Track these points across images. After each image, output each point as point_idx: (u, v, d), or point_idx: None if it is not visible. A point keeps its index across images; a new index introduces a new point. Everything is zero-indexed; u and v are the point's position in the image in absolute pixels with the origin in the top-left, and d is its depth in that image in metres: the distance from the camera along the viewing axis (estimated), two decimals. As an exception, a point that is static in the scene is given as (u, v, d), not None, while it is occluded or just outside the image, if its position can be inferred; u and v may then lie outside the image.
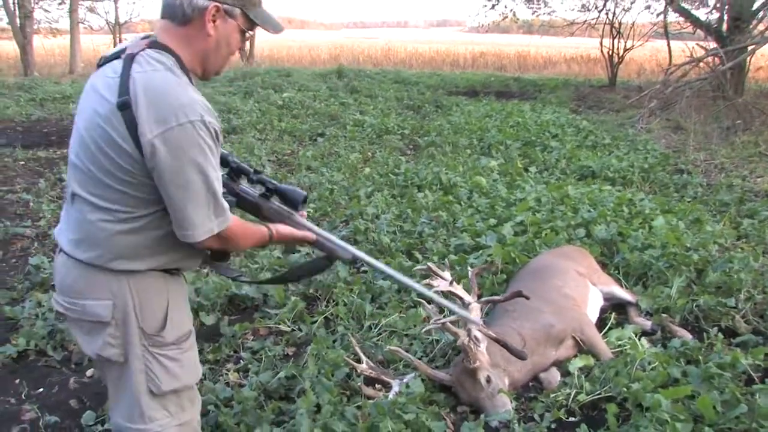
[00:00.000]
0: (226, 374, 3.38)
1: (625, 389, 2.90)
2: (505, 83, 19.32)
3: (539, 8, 20.36)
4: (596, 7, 19.30)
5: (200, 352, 3.64)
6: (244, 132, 10.25)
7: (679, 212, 5.52)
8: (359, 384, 3.08)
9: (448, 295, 3.00)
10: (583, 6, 19.95)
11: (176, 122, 1.74)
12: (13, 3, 19.22)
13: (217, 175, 1.84)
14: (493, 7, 19.72)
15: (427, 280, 3.03)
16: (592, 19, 19.48)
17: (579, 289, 3.78)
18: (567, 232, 4.80)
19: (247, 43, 15.15)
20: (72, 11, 21.26)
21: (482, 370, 3.00)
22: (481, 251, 4.38)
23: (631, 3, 19.01)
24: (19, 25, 18.97)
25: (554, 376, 3.29)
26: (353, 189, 6.58)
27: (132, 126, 1.76)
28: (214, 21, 1.89)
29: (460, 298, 2.97)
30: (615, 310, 3.97)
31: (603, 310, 3.97)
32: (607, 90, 17.48)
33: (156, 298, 1.96)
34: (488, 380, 3.00)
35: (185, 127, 1.75)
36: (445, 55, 34.77)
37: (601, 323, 3.78)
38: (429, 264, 3.11)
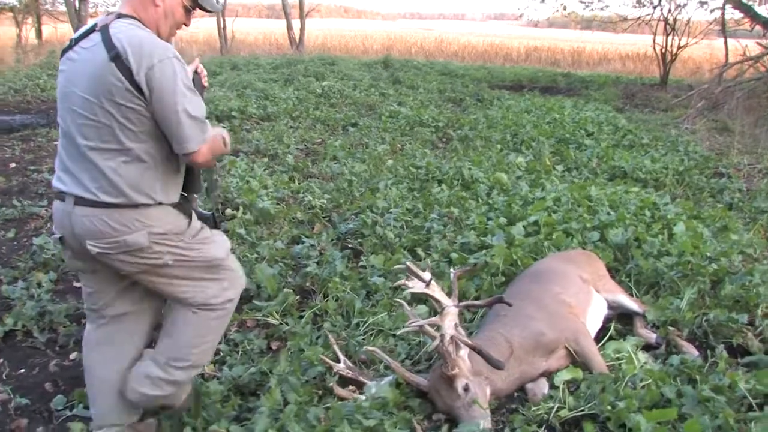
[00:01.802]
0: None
1: (609, 407, 2.71)
2: (553, 78, 18.86)
3: (592, 3, 19.75)
4: (651, 3, 18.60)
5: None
6: (277, 119, 10.22)
7: (707, 218, 5.22)
8: (332, 384, 2.96)
9: (425, 297, 2.85)
10: (638, 1, 19.23)
11: (158, 60, 2.23)
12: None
13: (197, 95, 2.35)
14: (542, 0, 19.21)
15: (403, 281, 2.88)
16: (647, 15, 18.77)
17: (580, 296, 3.57)
18: (581, 234, 4.58)
19: (297, 31, 15.40)
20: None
21: (460, 377, 2.85)
22: (485, 251, 4.19)
23: (687, -1, 18.22)
24: (76, 8, 19.40)
25: (541, 387, 3.11)
26: (374, 181, 6.46)
27: (126, 71, 2.22)
28: None
29: (437, 301, 2.81)
30: (620, 321, 3.76)
31: (608, 320, 3.77)
32: (658, 89, 16.87)
33: (170, 214, 2.44)
34: (466, 389, 2.84)
35: (166, 63, 2.25)
36: (499, 48, 34.29)
37: (604, 333, 3.57)
38: (407, 263, 2.96)
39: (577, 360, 3.21)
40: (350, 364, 3.12)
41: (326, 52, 26.66)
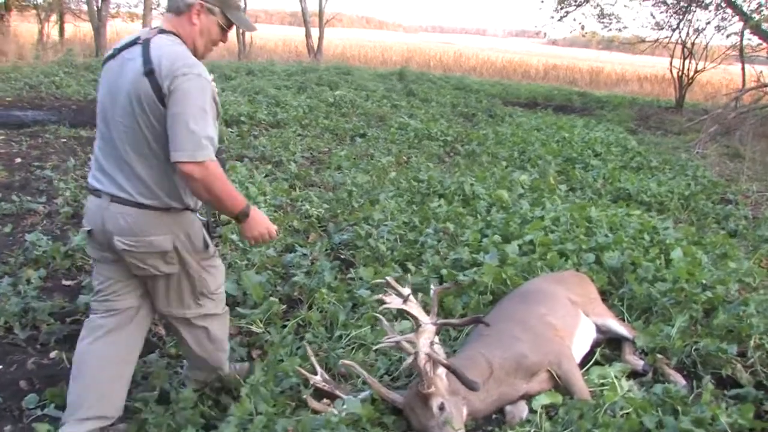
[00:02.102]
0: (180, 370, 3.27)
1: (588, 435, 2.64)
2: (568, 97, 18.81)
3: (610, 23, 19.66)
4: (670, 26, 18.51)
5: (162, 345, 3.59)
6: (286, 126, 10.23)
7: (709, 245, 5.14)
8: (306, 396, 2.91)
9: (402, 313, 2.80)
10: (656, 24, 19.14)
11: (182, 74, 2.40)
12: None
13: (209, 118, 2.44)
14: (561, 19, 19.16)
15: (380, 296, 2.84)
16: (665, 38, 18.67)
17: (567, 318, 3.50)
18: (577, 256, 4.51)
19: (316, 39, 15.54)
20: (147, -5, 21.80)
21: (436, 396, 2.79)
22: (475, 269, 4.13)
23: (706, 23, 18.14)
24: (97, 8, 19.61)
25: (521, 410, 3.04)
26: (374, 192, 6.42)
27: (157, 86, 2.41)
28: (198, 14, 2.60)
29: (415, 318, 2.76)
30: (609, 346, 3.69)
31: (596, 344, 3.70)
32: (673, 112, 16.77)
33: (195, 225, 2.68)
34: (441, 408, 2.78)
35: (191, 77, 2.41)
36: (517, 65, 34.36)
37: (590, 357, 3.50)
38: (387, 278, 2.91)
39: (559, 384, 3.15)
40: (327, 377, 3.07)
41: (345, 61, 26.81)
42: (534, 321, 3.34)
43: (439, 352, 2.91)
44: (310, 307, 3.97)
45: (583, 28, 19.29)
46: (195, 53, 2.61)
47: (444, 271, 4.15)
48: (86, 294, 3.92)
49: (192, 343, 2.91)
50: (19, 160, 7.33)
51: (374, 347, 3.02)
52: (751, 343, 3.54)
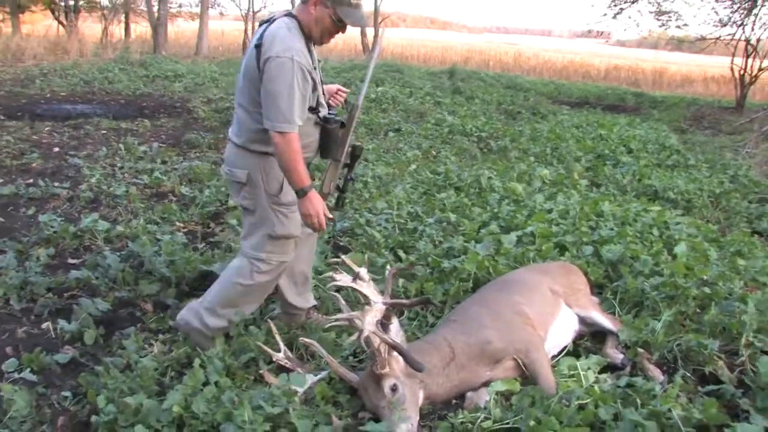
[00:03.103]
0: (154, 344, 3.35)
1: (533, 422, 2.57)
2: (621, 97, 18.32)
3: (669, 20, 19.00)
4: (734, 23, 17.75)
5: (143, 321, 3.69)
6: (323, 121, 10.30)
7: (727, 242, 4.92)
8: (263, 370, 2.94)
9: (353, 292, 2.79)
10: (719, 21, 18.38)
11: (276, 55, 2.84)
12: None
13: (296, 96, 2.86)
14: (615, 16, 18.65)
15: (331, 274, 2.84)
16: (728, 35, 17.90)
17: (544, 308, 3.42)
18: (576, 248, 4.40)
19: (370, 37, 15.90)
20: (203, -5, 22.41)
21: (389, 377, 2.77)
22: (462, 257, 4.08)
23: (774, 18, 17.27)
24: (156, 7, 20.31)
25: (481, 396, 2.98)
26: (392, 184, 6.42)
27: (258, 58, 2.90)
28: (315, 5, 2.98)
29: (365, 297, 2.75)
30: (595, 338, 3.59)
31: (580, 336, 3.60)
32: (732, 112, 16.06)
33: (275, 171, 3.05)
34: (394, 389, 2.77)
35: (282, 60, 2.84)
36: (578, 65, 33.63)
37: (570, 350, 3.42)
38: (343, 257, 2.91)
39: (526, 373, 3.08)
40: (290, 355, 3.09)
41: (404, 60, 26.81)
42: (505, 309, 3.28)
43: (397, 333, 2.90)
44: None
45: (638, 25, 18.71)
46: (311, 38, 3.05)
47: (429, 259, 4.11)
48: (79, 270, 4.06)
49: None
50: (57, 149, 7.65)
51: (326, 326, 3.02)
52: (742, 341, 3.39)
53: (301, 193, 2.98)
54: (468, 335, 3.08)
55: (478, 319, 3.20)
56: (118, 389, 2.73)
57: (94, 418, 2.63)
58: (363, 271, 2.84)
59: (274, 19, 3.01)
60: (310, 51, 3.05)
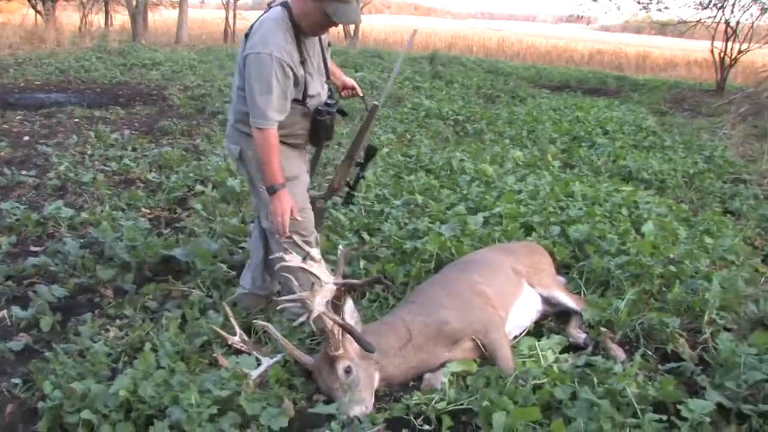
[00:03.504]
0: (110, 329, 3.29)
1: (487, 403, 2.54)
2: (602, 81, 18.31)
3: (650, 3, 18.98)
4: (714, 5, 17.74)
5: (101, 307, 3.62)
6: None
7: (698, 222, 4.91)
8: (216, 354, 2.90)
9: (303, 271, 2.74)
10: (699, 3, 18.37)
11: (255, 52, 2.89)
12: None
13: (274, 93, 2.88)
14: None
15: (280, 254, 2.79)
16: (708, 17, 17.93)
17: (506, 288, 3.39)
18: (544, 228, 4.37)
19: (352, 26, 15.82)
20: (181, -17, 22.15)
21: (343, 359, 2.73)
22: (426, 237, 4.05)
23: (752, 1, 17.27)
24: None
25: (439, 378, 2.94)
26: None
27: (244, 48, 3.00)
28: None
29: (316, 277, 2.70)
30: (560, 318, 3.56)
31: (545, 316, 3.58)
32: (712, 95, 16.08)
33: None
34: (348, 371, 2.73)
35: (262, 56, 2.87)
36: (562, 50, 33.59)
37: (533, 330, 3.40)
38: (294, 237, 2.87)
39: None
40: (245, 338, 3.04)
41: (387, 47, 26.63)
42: (463, 289, 3.25)
43: (351, 314, 2.86)
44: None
45: (618, 8, 18.69)
46: (300, 28, 2.99)
47: (392, 240, 4.07)
48: (35, 258, 3.99)
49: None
50: (26, 138, 7.51)
51: (277, 307, 2.97)
52: (705, 318, 3.38)
53: (270, 190, 3.00)
54: (426, 316, 3.05)
55: (436, 299, 3.16)
56: (66, 375, 2.67)
57: (40, 404, 2.58)
58: (314, 252, 2.80)
59: (270, 8, 3.03)
60: (299, 43, 3.02)
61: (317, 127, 3.21)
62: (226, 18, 26.08)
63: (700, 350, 3.23)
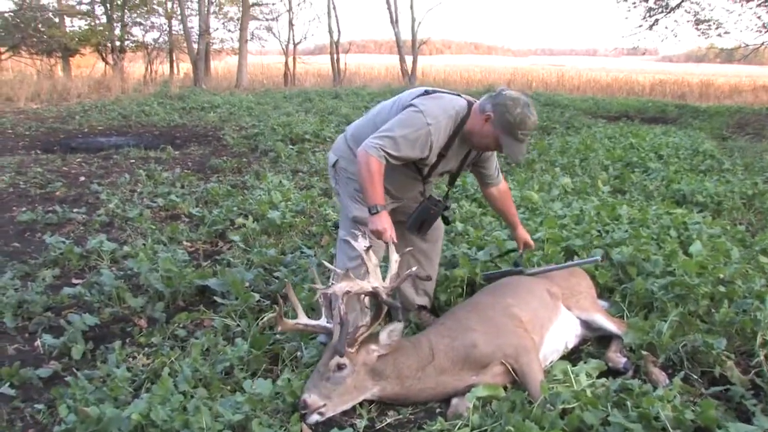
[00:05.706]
0: (137, 357, 3.30)
1: (511, 428, 2.39)
2: (662, 109, 17.78)
3: (708, 29, 18.46)
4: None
5: (132, 335, 3.64)
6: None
7: (755, 243, 4.63)
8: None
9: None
10: (763, 25, 17.75)
11: (420, 110, 3.06)
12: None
13: (402, 140, 3.02)
14: (650, 27, 18.21)
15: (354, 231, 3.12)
16: (771, 40, 17.29)
17: (539, 311, 3.24)
18: (586, 252, 4.19)
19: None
20: (242, 29, 22.92)
21: (345, 357, 2.74)
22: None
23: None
24: (196, 44, 20.86)
25: (466, 404, 2.81)
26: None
27: (415, 98, 3.19)
28: (486, 120, 3.09)
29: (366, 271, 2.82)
30: (601, 342, 3.38)
31: (584, 340, 3.40)
32: (779, 118, 15.44)
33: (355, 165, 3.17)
34: (340, 367, 2.74)
35: (421, 118, 3.04)
36: (623, 82, 33.01)
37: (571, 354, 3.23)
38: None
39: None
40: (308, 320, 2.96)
41: (447, 85, 26.79)
42: (495, 312, 3.13)
43: (391, 332, 2.81)
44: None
45: (675, 35, 18.27)
46: (463, 132, 3.16)
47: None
48: (70, 288, 4.07)
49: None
50: (82, 178, 7.79)
51: (316, 297, 2.98)
52: (757, 340, 3.13)
53: (372, 210, 3.07)
54: (452, 338, 2.95)
55: (466, 322, 3.06)
56: (85, 399, 2.67)
57: (56, 428, 2.57)
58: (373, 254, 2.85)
59: (450, 95, 3.20)
60: (451, 140, 3.17)
61: (424, 214, 3.38)
62: (285, 62, 26.86)
63: (753, 374, 2.99)
